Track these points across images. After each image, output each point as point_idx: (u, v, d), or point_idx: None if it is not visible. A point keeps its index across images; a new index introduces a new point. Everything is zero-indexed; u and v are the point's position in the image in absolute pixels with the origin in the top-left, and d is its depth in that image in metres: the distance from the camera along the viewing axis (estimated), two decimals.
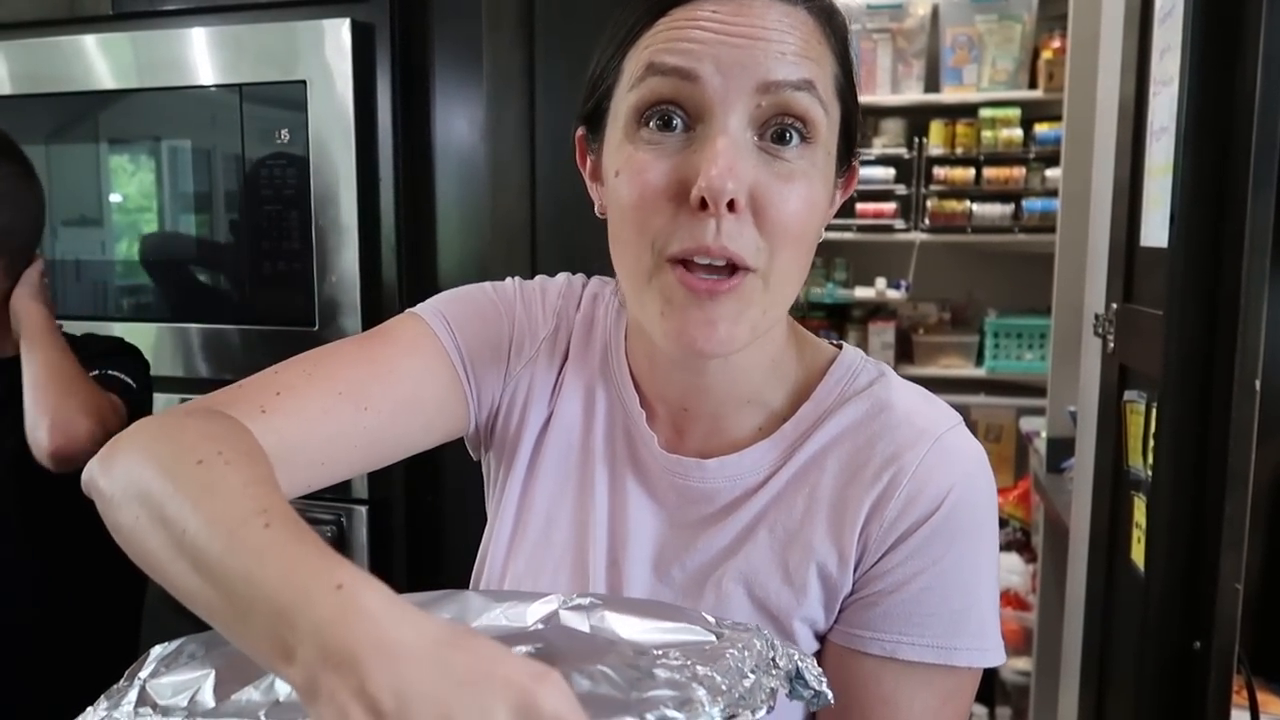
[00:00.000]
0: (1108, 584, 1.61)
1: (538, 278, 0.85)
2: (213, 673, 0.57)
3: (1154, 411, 1.30)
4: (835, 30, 0.67)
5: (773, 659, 0.57)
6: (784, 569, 0.71)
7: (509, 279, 0.84)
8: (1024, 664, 2.69)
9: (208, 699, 0.56)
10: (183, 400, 1.55)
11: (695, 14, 0.63)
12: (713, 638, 0.57)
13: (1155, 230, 1.37)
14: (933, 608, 0.69)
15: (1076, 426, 2.01)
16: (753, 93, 0.62)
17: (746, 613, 0.71)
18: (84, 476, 0.62)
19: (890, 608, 0.69)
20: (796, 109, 0.63)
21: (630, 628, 0.57)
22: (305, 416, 0.69)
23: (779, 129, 0.63)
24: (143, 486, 0.56)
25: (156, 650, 0.61)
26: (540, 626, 0.58)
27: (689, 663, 0.52)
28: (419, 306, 0.80)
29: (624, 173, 0.65)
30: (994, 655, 0.70)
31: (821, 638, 0.73)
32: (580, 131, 0.74)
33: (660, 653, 0.54)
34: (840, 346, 0.78)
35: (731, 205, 0.62)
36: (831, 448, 0.72)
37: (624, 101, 0.66)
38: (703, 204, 0.61)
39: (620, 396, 0.79)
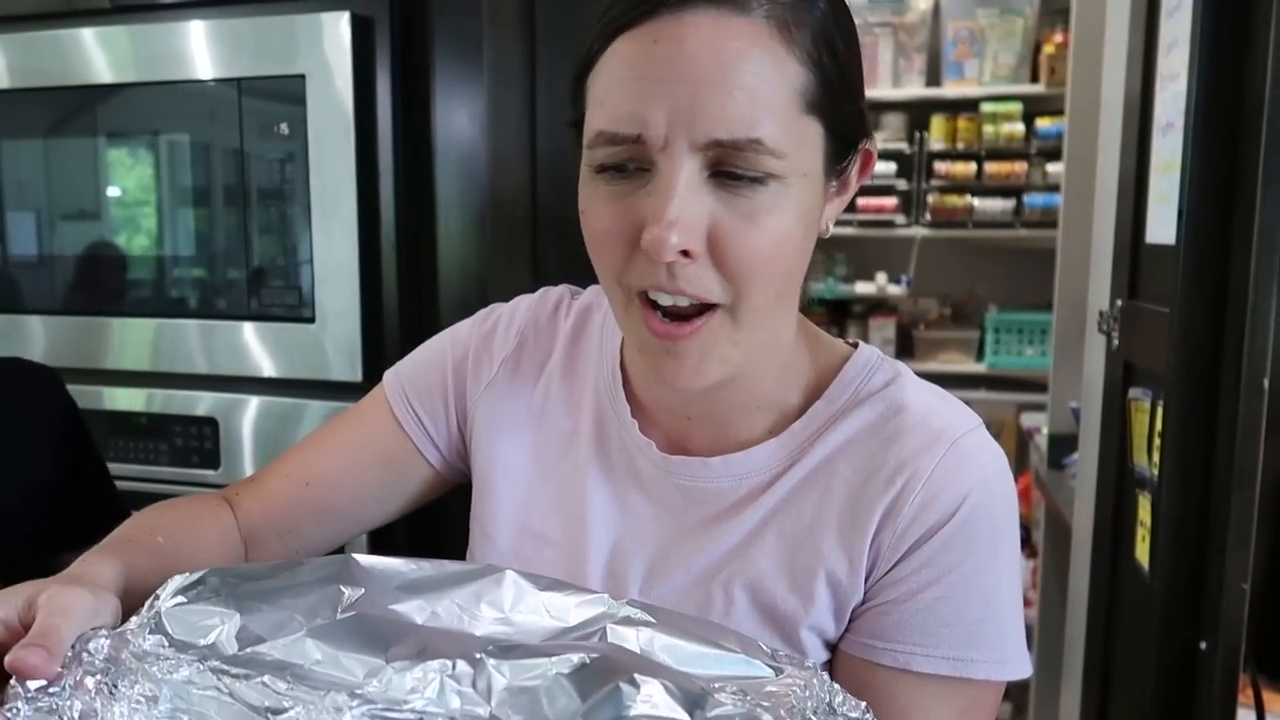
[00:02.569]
0: (1111, 582, 1.60)
1: (521, 297, 0.86)
2: (237, 616, 0.55)
3: (1159, 409, 1.29)
4: (806, 33, 0.61)
5: (830, 704, 0.55)
6: (791, 575, 0.69)
7: (485, 309, 0.86)
8: None
9: (227, 645, 0.54)
10: (188, 396, 1.54)
11: (640, 56, 0.60)
12: (770, 672, 0.55)
13: (1161, 226, 1.36)
14: (948, 618, 0.66)
15: (1079, 423, 2.00)
16: (700, 146, 0.59)
17: (752, 620, 0.69)
18: None
19: (903, 617, 0.67)
20: (743, 163, 0.60)
21: (683, 656, 0.55)
22: (261, 498, 0.83)
23: (734, 170, 0.60)
24: None
25: (177, 580, 0.58)
26: (588, 631, 0.57)
27: (749, 698, 0.51)
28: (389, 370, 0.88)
29: (586, 213, 0.65)
30: (1015, 668, 0.67)
31: (833, 646, 0.70)
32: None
33: (719, 686, 0.52)
34: (856, 345, 0.75)
35: (686, 253, 0.60)
36: (844, 451, 0.70)
37: (585, 150, 0.64)
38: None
39: (612, 406, 0.77)
